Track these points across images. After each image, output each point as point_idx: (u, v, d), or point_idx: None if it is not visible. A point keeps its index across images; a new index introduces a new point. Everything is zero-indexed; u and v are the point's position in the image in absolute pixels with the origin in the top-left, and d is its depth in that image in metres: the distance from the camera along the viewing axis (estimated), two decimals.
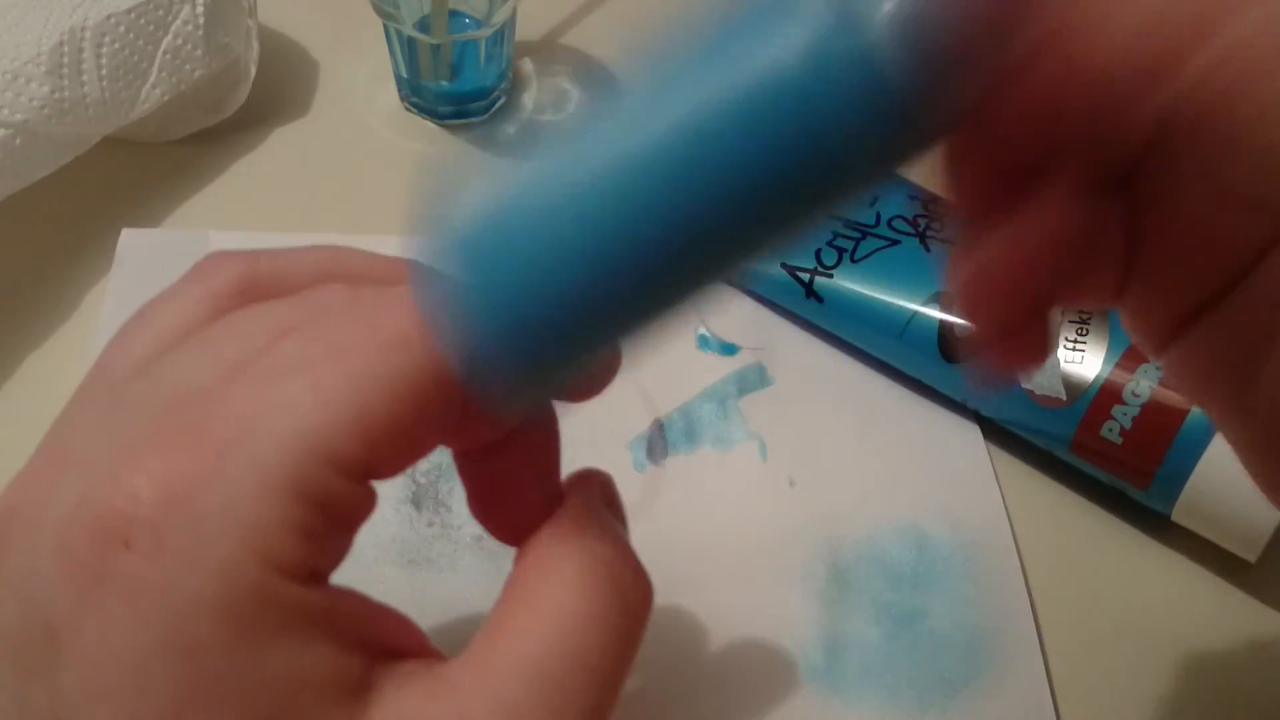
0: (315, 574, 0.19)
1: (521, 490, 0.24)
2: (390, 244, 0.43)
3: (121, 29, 0.40)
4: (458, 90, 0.47)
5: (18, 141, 0.38)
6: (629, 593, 0.21)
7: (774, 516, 0.38)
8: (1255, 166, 0.18)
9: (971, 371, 0.24)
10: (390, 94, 0.49)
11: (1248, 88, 0.18)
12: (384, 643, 0.20)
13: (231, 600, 0.17)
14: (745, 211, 0.17)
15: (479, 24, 0.47)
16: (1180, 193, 0.22)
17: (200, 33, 0.42)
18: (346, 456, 0.19)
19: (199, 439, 0.18)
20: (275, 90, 0.48)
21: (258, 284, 0.22)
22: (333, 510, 0.19)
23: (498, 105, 0.49)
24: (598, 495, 0.23)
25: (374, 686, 0.19)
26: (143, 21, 0.40)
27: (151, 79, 0.41)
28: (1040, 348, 0.23)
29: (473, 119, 0.48)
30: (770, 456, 0.39)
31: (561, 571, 0.21)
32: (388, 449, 0.19)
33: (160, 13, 0.41)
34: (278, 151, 0.47)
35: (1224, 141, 0.18)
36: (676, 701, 0.33)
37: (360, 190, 0.46)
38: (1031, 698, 0.34)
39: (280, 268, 0.23)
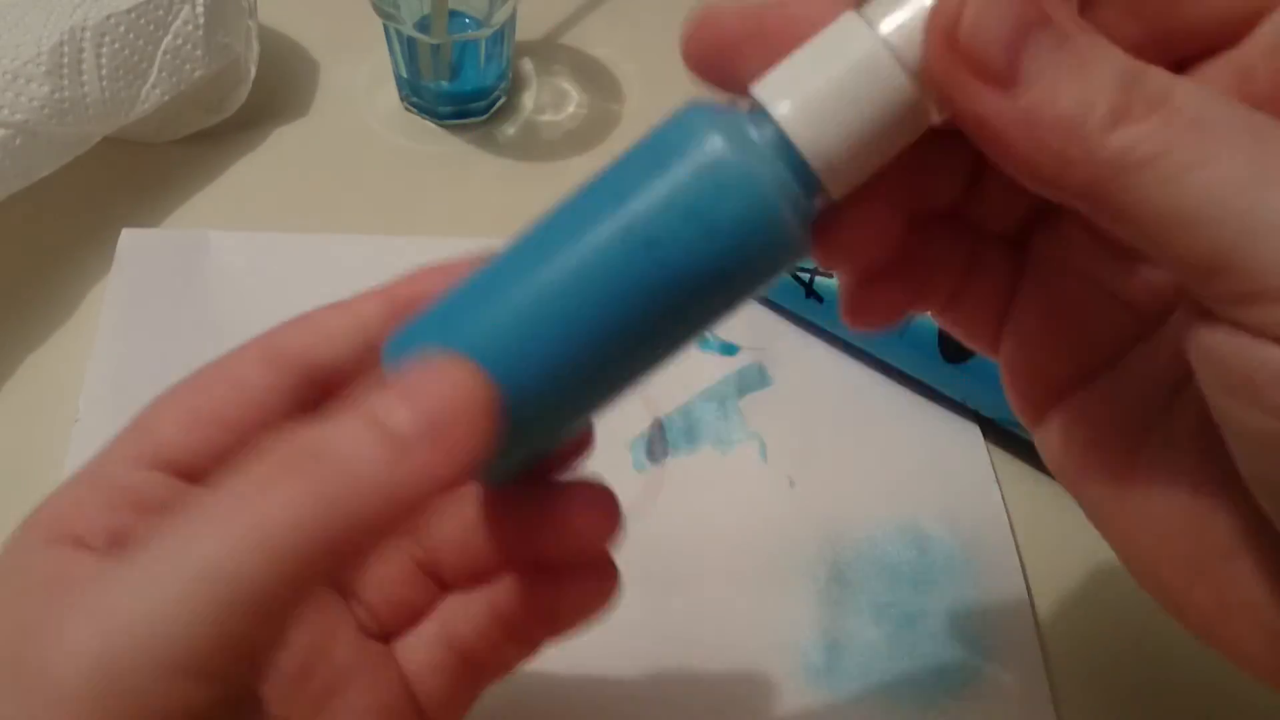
0: None
1: None
2: (389, 244, 0.43)
3: (121, 29, 0.40)
4: (458, 90, 0.47)
5: (18, 141, 0.38)
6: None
7: (774, 516, 0.38)
8: (1124, 267, 0.18)
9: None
10: (390, 94, 0.49)
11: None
12: None
13: None
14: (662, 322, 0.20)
15: (479, 24, 0.47)
16: (1061, 265, 0.23)
17: (200, 33, 0.42)
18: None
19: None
20: (275, 90, 0.48)
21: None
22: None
23: (498, 105, 0.49)
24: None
25: None
26: (143, 21, 0.40)
27: (151, 79, 0.41)
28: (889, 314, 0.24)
29: (473, 119, 0.48)
30: (770, 456, 0.39)
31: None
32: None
33: (160, 13, 0.41)
34: (278, 151, 0.47)
35: (1116, 209, 0.18)
36: (677, 701, 0.33)
37: (360, 190, 0.46)
38: (1031, 698, 0.34)
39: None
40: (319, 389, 0.22)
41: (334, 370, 0.22)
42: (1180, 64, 0.20)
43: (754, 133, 0.19)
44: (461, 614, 0.25)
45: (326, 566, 0.17)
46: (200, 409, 0.21)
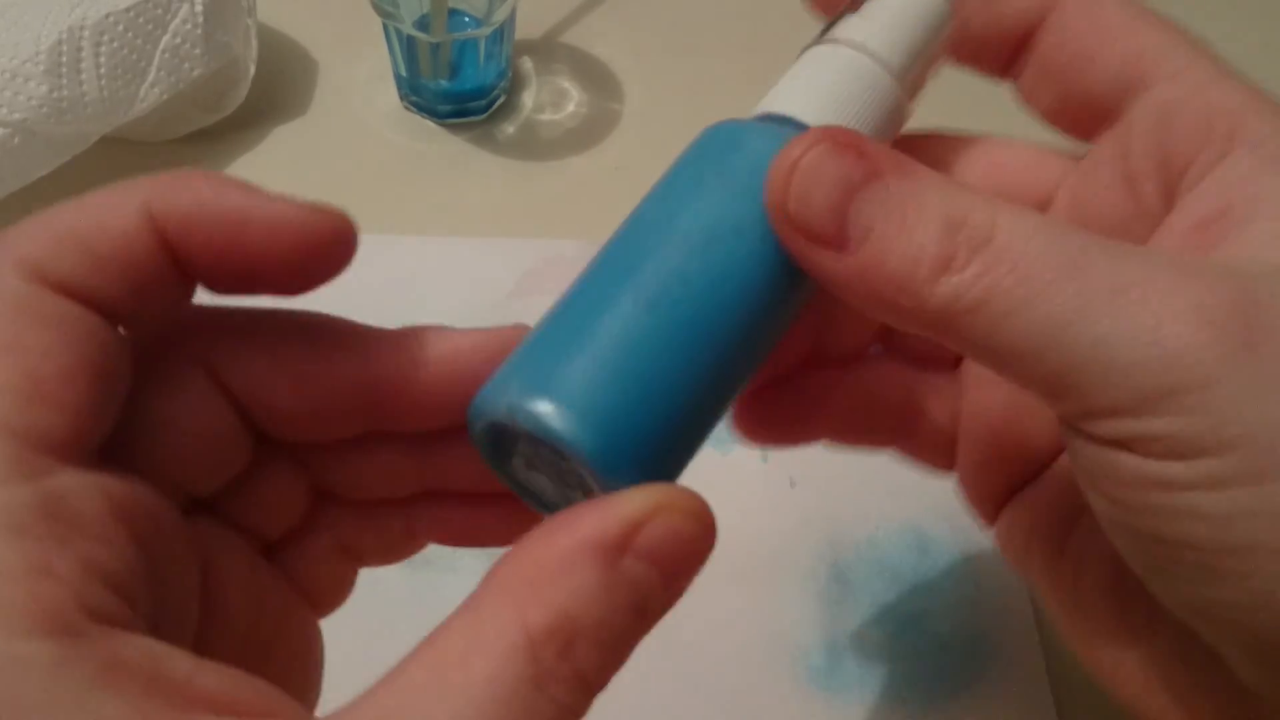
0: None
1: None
2: (388, 243, 0.43)
3: (120, 28, 0.40)
4: (457, 89, 0.47)
5: (16, 140, 0.37)
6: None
7: (774, 517, 0.38)
8: (986, 362, 0.19)
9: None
10: (389, 93, 0.49)
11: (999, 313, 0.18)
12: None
13: None
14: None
15: (478, 23, 0.47)
16: (986, 385, 0.25)
17: (199, 32, 0.42)
18: None
19: None
20: (274, 89, 0.48)
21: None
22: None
23: (497, 104, 0.49)
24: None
25: None
26: (141, 20, 0.40)
27: (150, 78, 0.41)
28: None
29: (472, 118, 0.48)
30: (770, 457, 0.39)
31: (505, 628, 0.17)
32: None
33: (159, 11, 0.41)
34: (277, 151, 0.47)
35: (958, 343, 0.19)
36: (677, 701, 0.33)
37: (359, 189, 0.46)
38: (1032, 698, 0.34)
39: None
40: (182, 258, 0.18)
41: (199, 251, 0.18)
42: (1088, 132, 0.23)
43: (783, 131, 0.21)
44: (362, 529, 0.23)
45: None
46: (77, 231, 0.17)
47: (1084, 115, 0.23)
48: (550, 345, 0.19)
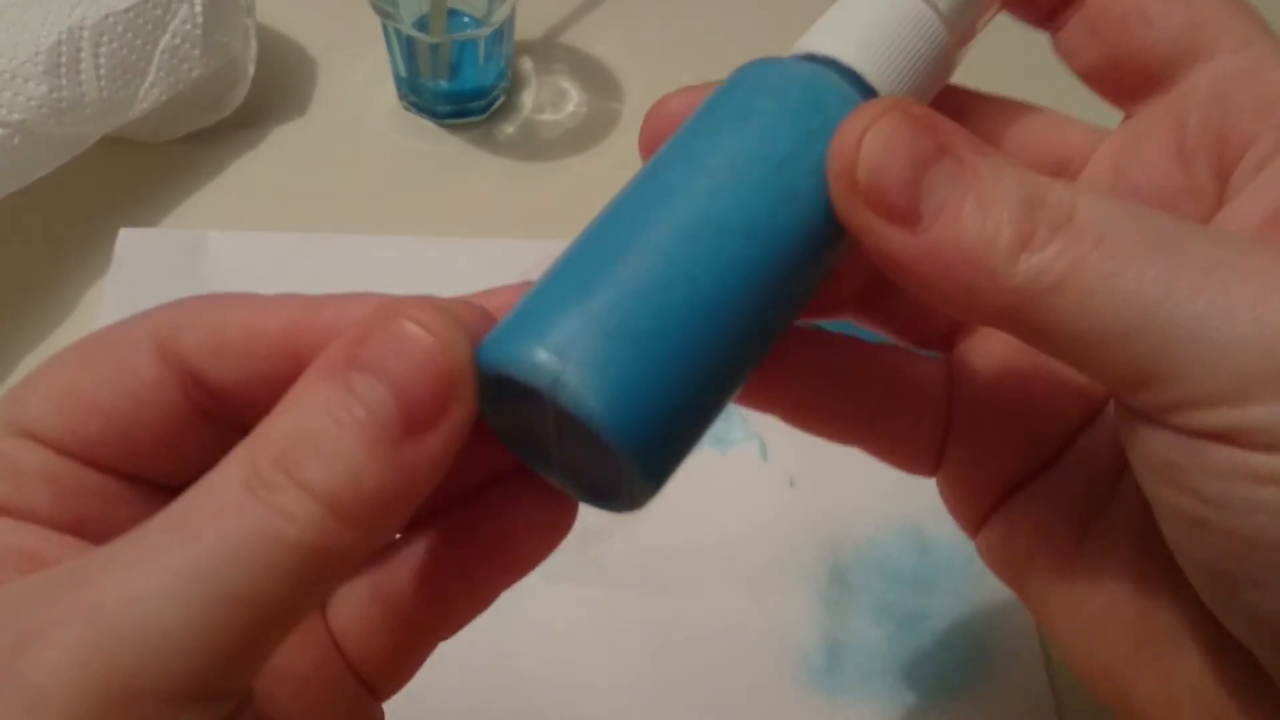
0: None
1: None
2: (388, 243, 0.43)
3: (119, 28, 0.40)
4: (456, 89, 0.47)
5: (16, 141, 0.37)
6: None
7: (774, 517, 0.38)
8: (1063, 351, 0.18)
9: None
10: (389, 93, 0.49)
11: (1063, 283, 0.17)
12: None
13: None
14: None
15: (478, 23, 0.47)
16: (991, 364, 0.23)
17: (198, 32, 0.42)
18: None
19: None
20: (273, 90, 0.48)
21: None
22: None
23: (497, 104, 0.49)
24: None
25: None
26: (141, 21, 0.40)
27: (150, 78, 0.41)
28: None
29: (471, 118, 0.48)
30: (770, 456, 0.39)
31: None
32: None
33: (158, 12, 0.41)
34: (276, 151, 0.47)
35: (1033, 331, 0.18)
36: (677, 701, 0.33)
37: (359, 189, 0.46)
38: (1033, 698, 0.34)
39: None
40: (211, 395, 0.20)
41: (228, 387, 0.20)
42: (1131, 97, 0.22)
43: (826, 71, 0.20)
44: (394, 568, 0.22)
45: (324, 570, 0.16)
46: (78, 391, 0.19)
47: (1130, 78, 0.22)
48: (573, 298, 0.18)
